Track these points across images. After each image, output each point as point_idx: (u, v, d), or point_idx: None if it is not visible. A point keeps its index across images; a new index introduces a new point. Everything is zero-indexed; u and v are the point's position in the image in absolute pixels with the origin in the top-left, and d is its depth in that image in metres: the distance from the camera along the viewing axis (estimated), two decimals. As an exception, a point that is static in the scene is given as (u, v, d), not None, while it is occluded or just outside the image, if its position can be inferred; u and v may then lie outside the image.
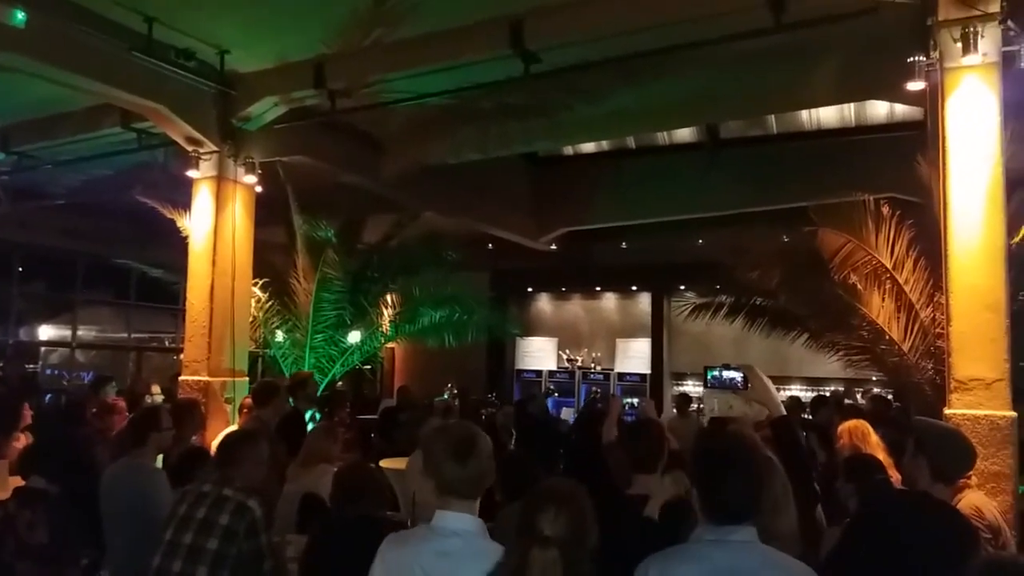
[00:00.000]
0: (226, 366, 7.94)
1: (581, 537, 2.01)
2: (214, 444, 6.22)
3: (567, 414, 13.06)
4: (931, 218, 5.72)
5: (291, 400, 6.75)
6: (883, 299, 5.97)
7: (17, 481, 4.56)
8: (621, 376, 14.81)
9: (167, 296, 12.62)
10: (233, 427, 6.78)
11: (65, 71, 6.65)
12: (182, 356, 8.30)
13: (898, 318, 5.91)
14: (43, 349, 14.28)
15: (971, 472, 3.41)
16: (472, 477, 2.34)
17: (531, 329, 15.92)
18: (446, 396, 10.66)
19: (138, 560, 3.77)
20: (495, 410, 9.64)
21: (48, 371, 13.76)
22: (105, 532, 4.16)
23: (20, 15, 5.58)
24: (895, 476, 3.68)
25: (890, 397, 9.26)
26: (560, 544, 1.95)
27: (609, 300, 15.82)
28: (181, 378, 8.02)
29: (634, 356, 14.98)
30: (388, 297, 10.78)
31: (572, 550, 1.97)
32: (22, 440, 6.08)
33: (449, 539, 2.28)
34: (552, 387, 15.03)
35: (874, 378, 10.00)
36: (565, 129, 9.01)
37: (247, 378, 8.21)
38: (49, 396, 10.73)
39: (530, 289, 16.11)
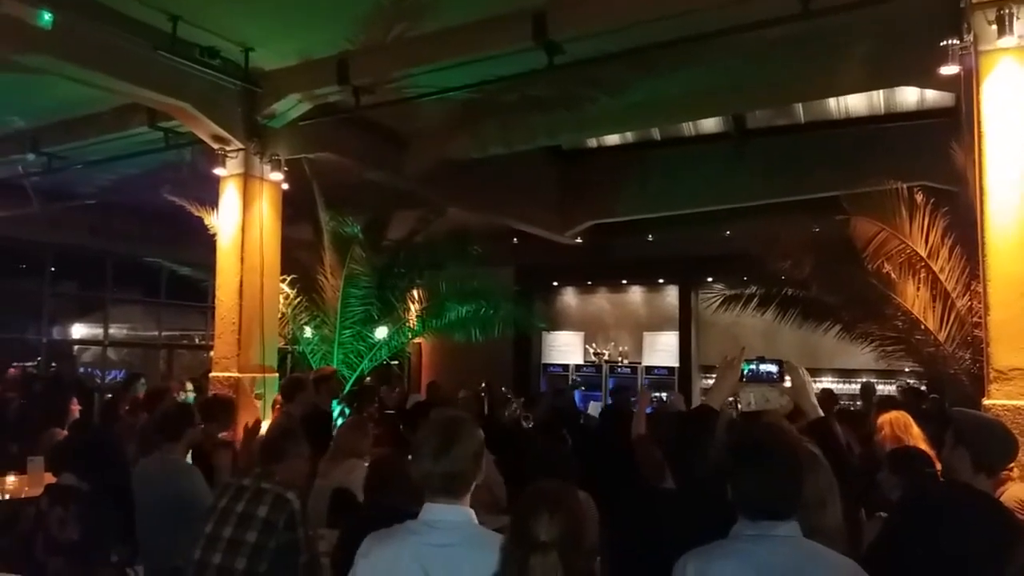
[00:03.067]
0: (256, 362, 7.99)
1: (578, 539, 1.94)
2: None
3: (594, 408, 12.99)
4: (966, 205, 5.60)
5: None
6: (918, 288, 5.87)
7: (49, 478, 4.63)
8: (649, 369, 14.72)
9: (197, 294, 12.72)
10: (265, 422, 6.82)
11: (91, 71, 6.70)
12: (212, 353, 8.37)
13: (933, 308, 5.80)
14: (76, 348, 14.47)
15: (1013, 464, 3.33)
16: (446, 474, 2.20)
17: (557, 323, 15.87)
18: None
19: (173, 555, 3.81)
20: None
21: (81, 369, 13.93)
22: (138, 527, 4.20)
23: (47, 16, 5.63)
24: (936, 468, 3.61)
25: (923, 388, 9.12)
26: (559, 548, 1.88)
27: (635, 293, 15.72)
28: (212, 374, 8.09)
29: (661, 349, 14.88)
30: (415, 292, 10.79)
31: (570, 553, 1.90)
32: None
33: (442, 531, 2.18)
34: (578, 379, 14.94)
35: (907, 369, 9.84)
36: (589, 121, 8.95)
37: (277, 374, 8.26)
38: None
39: (555, 283, 16.05)
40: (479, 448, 2.28)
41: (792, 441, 2.23)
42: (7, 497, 5.54)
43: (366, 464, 4.80)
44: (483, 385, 10.27)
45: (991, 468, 2.95)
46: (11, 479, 5.78)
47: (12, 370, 10.32)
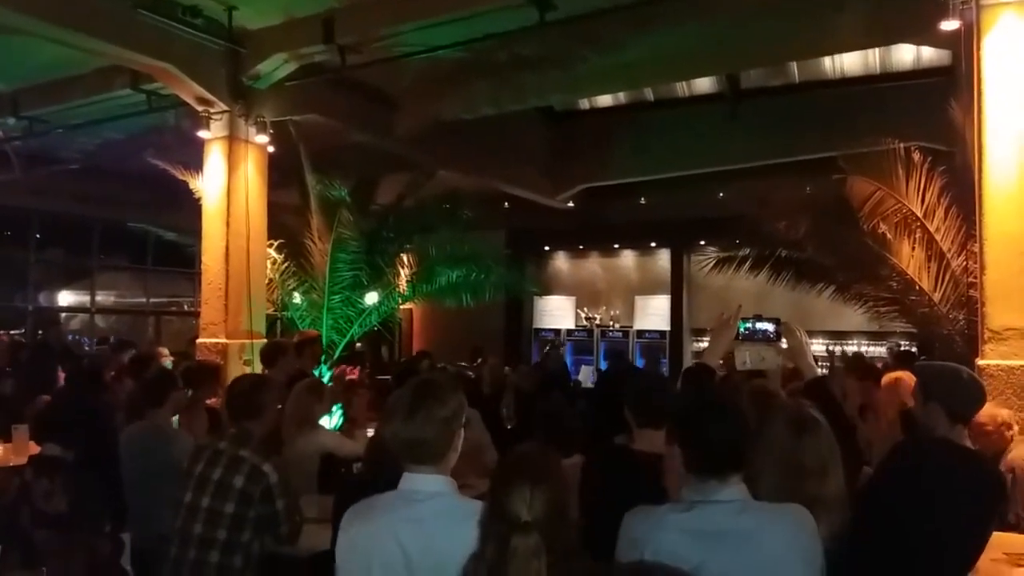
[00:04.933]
0: (243, 328, 7.92)
1: (562, 512, 1.80)
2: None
3: (585, 373, 12.99)
4: (962, 165, 5.55)
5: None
6: (913, 248, 5.82)
7: (34, 447, 4.58)
8: (640, 333, 14.72)
9: (184, 260, 12.61)
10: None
11: (70, 31, 6.53)
12: (199, 319, 8.29)
13: (928, 268, 5.76)
14: (63, 315, 14.36)
15: (1015, 423, 3.31)
16: (414, 439, 2.09)
17: (549, 288, 15.80)
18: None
19: (160, 521, 3.76)
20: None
21: (69, 336, 13.82)
22: (126, 494, 4.15)
23: (21, -28, 5.46)
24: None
25: (913, 350, 9.11)
26: (541, 526, 1.74)
27: (627, 257, 15.66)
28: (199, 341, 8.02)
29: (653, 313, 14.86)
30: (404, 257, 10.68)
31: (554, 530, 1.76)
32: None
33: (420, 503, 2.08)
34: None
35: (899, 331, 9.85)
36: (581, 81, 8.78)
37: (265, 340, 8.17)
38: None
39: (547, 248, 15.98)
40: (452, 414, 2.14)
41: (738, 397, 2.16)
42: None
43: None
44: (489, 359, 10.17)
45: (966, 417, 2.91)
46: (-4, 447, 5.72)
47: (2, 337, 10.21)
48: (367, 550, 2.11)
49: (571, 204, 13.11)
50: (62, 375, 6.76)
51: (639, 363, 13.11)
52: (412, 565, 2.04)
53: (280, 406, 3.37)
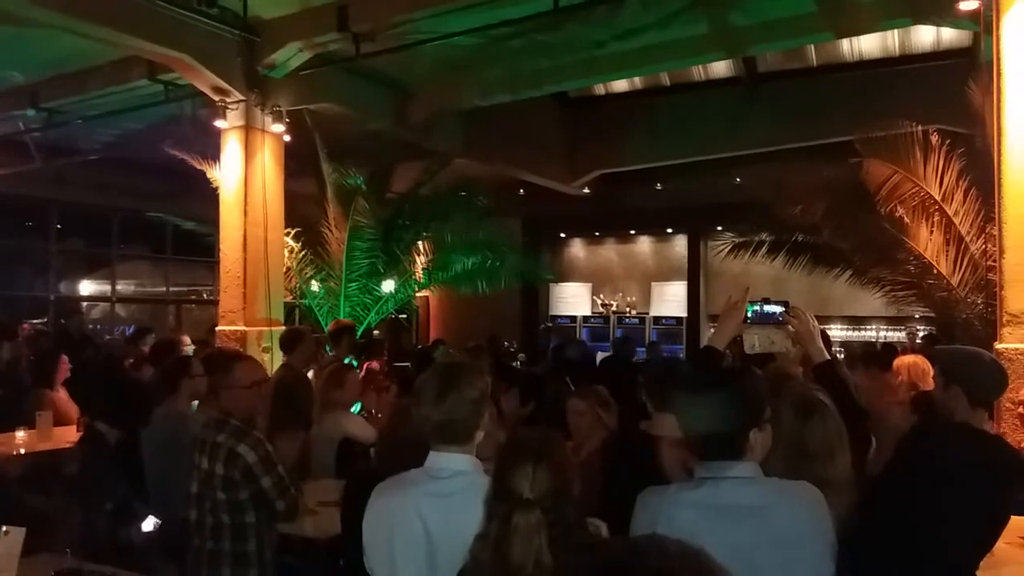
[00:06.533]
0: (262, 315, 7.98)
1: (563, 489, 1.84)
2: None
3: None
4: (981, 147, 5.50)
5: (328, 348, 6.81)
6: (931, 232, 5.79)
7: (59, 432, 4.64)
8: (656, 320, 14.69)
9: (203, 249, 12.70)
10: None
11: (87, 22, 6.56)
12: (218, 307, 8.37)
13: (947, 251, 5.73)
14: (84, 304, 14.52)
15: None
16: (445, 420, 2.15)
17: (565, 275, 15.82)
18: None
19: (182, 505, 3.82)
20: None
21: (90, 326, 13.98)
22: (149, 478, 4.21)
23: (38, -36, 5.49)
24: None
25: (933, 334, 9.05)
26: (543, 503, 1.78)
27: (644, 244, 15.63)
28: (218, 328, 8.09)
29: (670, 300, 14.84)
30: (420, 245, 10.73)
31: (556, 507, 1.80)
32: (61, 392, 6.24)
33: (446, 480, 2.14)
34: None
35: (917, 316, 9.78)
36: (596, 66, 8.73)
37: (284, 327, 8.23)
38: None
39: (563, 235, 15.97)
40: (480, 395, 2.21)
41: (744, 377, 2.12)
42: (22, 451, 5.59)
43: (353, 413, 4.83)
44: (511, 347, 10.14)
45: (988, 401, 2.89)
46: (20, 434, 5.80)
47: (26, 326, 10.33)
48: (390, 524, 2.16)
49: (587, 190, 13.08)
50: (65, 366, 6.71)
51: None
52: (432, 539, 2.09)
53: (246, 389, 3.32)
